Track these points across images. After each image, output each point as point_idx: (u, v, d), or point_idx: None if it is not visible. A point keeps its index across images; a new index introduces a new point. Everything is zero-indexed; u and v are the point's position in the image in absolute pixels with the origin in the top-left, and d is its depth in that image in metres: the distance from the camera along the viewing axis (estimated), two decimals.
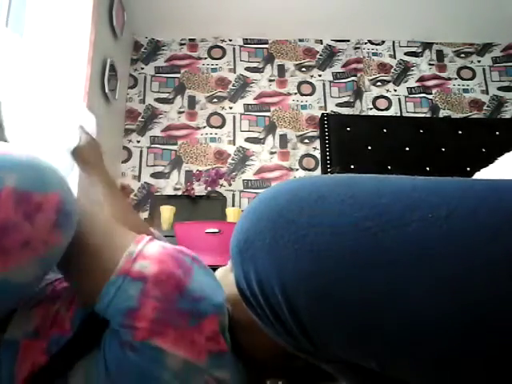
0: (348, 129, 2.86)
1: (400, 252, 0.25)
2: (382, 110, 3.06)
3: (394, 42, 3.21)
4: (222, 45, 3.17)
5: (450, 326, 0.23)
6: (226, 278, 0.63)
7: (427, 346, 0.24)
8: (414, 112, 3.05)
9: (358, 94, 3.06)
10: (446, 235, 0.24)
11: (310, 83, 3.11)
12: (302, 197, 0.30)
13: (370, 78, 3.12)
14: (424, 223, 0.25)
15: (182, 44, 3.16)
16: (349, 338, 0.27)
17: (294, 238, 0.29)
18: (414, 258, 0.24)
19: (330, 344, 0.28)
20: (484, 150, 2.75)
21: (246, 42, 3.18)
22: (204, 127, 2.98)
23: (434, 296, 0.23)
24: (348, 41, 3.19)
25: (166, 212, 2.42)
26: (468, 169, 2.57)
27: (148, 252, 0.51)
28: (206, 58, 3.14)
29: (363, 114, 2.99)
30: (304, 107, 3.05)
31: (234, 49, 3.16)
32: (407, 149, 2.81)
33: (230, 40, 3.17)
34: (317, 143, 2.96)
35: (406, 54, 3.19)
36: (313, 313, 0.27)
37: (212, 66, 3.12)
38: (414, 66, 3.16)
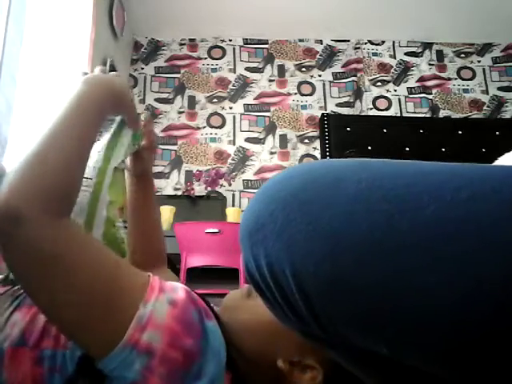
0: (348, 129, 2.86)
1: (417, 235, 0.24)
2: (381, 110, 3.06)
3: (393, 42, 3.21)
4: (221, 45, 3.17)
5: (470, 312, 0.23)
6: (236, 304, 0.59)
7: (443, 332, 0.24)
8: (414, 112, 3.05)
9: (358, 94, 3.06)
10: (465, 218, 0.24)
11: (310, 83, 3.11)
12: (317, 179, 0.30)
13: (370, 78, 3.12)
14: (443, 206, 0.24)
15: (182, 44, 3.16)
16: (359, 322, 0.27)
17: (307, 219, 0.28)
18: (431, 241, 0.24)
19: (339, 328, 0.28)
20: (484, 150, 2.75)
21: (246, 42, 3.18)
22: (204, 127, 2.98)
23: (452, 280, 0.23)
24: (348, 41, 3.19)
25: (166, 212, 2.42)
26: None
27: (158, 317, 0.47)
28: (206, 58, 3.14)
29: (363, 114, 2.99)
30: (304, 107, 3.05)
31: (233, 49, 3.16)
32: (407, 149, 2.81)
33: (230, 40, 3.17)
34: (317, 143, 2.96)
35: (406, 54, 3.19)
36: (323, 296, 0.27)
37: (212, 66, 3.12)
38: (414, 66, 3.16)
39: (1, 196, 0.45)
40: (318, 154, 2.95)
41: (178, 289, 0.52)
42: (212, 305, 0.56)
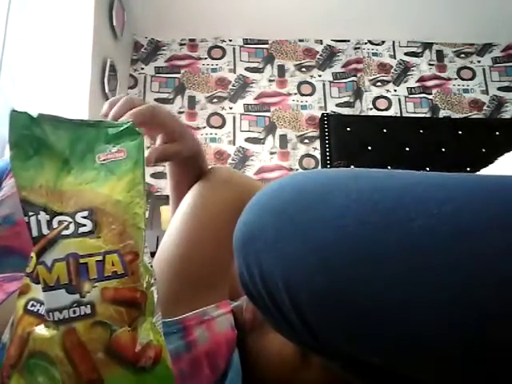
0: (348, 129, 2.85)
1: (405, 248, 0.25)
2: (382, 110, 3.05)
3: (393, 42, 3.21)
4: (221, 45, 3.17)
5: (457, 322, 0.23)
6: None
7: (433, 343, 0.24)
8: (414, 112, 3.05)
9: (358, 94, 3.06)
10: (453, 231, 0.24)
11: (310, 83, 3.11)
12: (307, 191, 0.30)
13: (370, 78, 3.12)
14: (429, 219, 0.24)
15: (182, 44, 3.16)
16: (351, 332, 0.27)
17: (298, 231, 0.28)
18: (419, 253, 0.24)
19: (332, 339, 0.28)
20: (484, 150, 2.74)
21: (246, 42, 3.18)
22: (204, 127, 2.98)
23: (441, 292, 0.23)
24: (348, 41, 3.19)
25: (166, 212, 2.42)
26: (468, 169, 2.57)
27: (217, 326, 0.47)
28: (206, 58, 3.14)
29: (363, 114, 2.99)
30: (304, 107, 3.05)
31: (233, 49, 3.16)
32: (407, 149, 2.81)
33: (230, 40, 3.17)
34: (317, 143, 2.96)
35: (405, 54, 3.19)
36: (315, 307, 0.27)
37: (212, 66, 3.12)
38: (414, 66, 3.16)
39: None
40: (318, 154, 2.94)
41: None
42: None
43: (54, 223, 0.36)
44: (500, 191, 0.25)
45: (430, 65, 3.16)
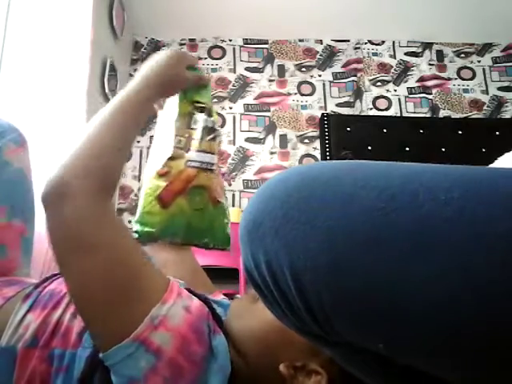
0: (348, 129, 2.86)
1: (412, 231, 0.25)
2: (381, 110, 3.05)
3: (393, 42, 3.21)
4: (222, 45, 3.17)
5: (463, 305, 0.23)
6: (242, 311, 0.58)
7: (434, 328, 0.24)
8: (414, 112, 3.05)
9: (358, 94, 3.06)
10: (459, 215, 0.24)
11: (310, 83, 3.11)
12: (314, 178, 0.30)
13: (370, 78, 3.12)
14: (437, 204, 0.25)
15: (182, 44, 3.16)
16: (355, 316, 0.27)
17: (305, 218, 0.28)
18: (426, 237, 0.24)
19: (336, 325, 0.28)
20: (484, 150, 2.74)
21: (246, 42, 3.18)
22: None
23: (446, 274, 0.23)
24: (348, 41, 3.19)
25: None
26: None
27: (172, 320, 0.46)
28: (206, 58, 3.14)
29: (363, 114, 2.99)
30: (304, 107, 3.05)
31: (233, 49, 3.16)
32: (407, 149, 2.81)
33: (230, 40, 3.17)
34: (317, 143, 2.96)
35: (406, 54, 3.19)
36: (319, 291, 0.27)
37: (212, 66, 3.12)
38: (414, 66, 3.16)
39: (56, 171, 0.50)
40: (318, 153, 2.94)
41: (194, 298, 0.52)
42: (218, 311, 0.55)
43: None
44: (504, 177, 0.25)
45: (429, 65, 3.16)
